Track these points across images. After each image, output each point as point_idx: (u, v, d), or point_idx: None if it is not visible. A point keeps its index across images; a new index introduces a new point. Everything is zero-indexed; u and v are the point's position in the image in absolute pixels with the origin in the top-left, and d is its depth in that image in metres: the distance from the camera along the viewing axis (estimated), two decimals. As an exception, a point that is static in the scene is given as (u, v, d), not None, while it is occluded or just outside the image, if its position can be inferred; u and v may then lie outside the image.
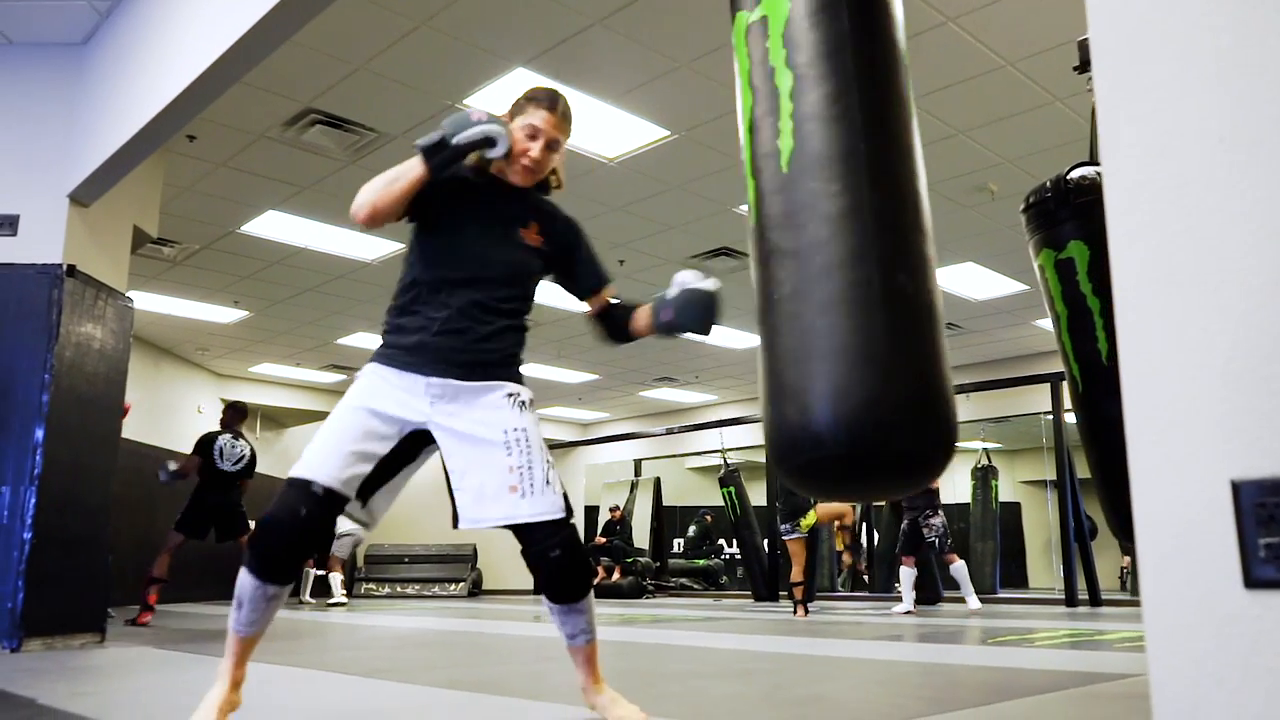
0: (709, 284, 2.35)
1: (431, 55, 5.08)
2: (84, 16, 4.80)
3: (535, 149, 2.24)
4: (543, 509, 2.07)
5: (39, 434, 4.44)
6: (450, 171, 2.17)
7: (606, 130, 5.96)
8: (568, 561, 2.09)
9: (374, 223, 2.10)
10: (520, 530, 2.09)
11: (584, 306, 2.50)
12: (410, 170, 2.08)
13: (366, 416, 2.07)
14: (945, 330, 1.94)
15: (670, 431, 14.04)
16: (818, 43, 2.03)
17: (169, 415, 11.55)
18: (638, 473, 16.26)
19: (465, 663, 4.03)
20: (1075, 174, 3.10)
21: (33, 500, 4.38)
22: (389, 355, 2.15)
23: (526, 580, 14.36)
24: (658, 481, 15.68)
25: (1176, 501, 1.06)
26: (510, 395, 2.15)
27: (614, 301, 2.46)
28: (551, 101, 2.28)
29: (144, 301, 8.72)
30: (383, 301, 8.25)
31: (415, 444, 2.15)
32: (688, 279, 2.34)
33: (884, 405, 1.75)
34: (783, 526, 8.00)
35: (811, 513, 7.91)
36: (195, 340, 11.28)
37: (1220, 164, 1.06)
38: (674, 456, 16.52)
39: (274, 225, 7.57)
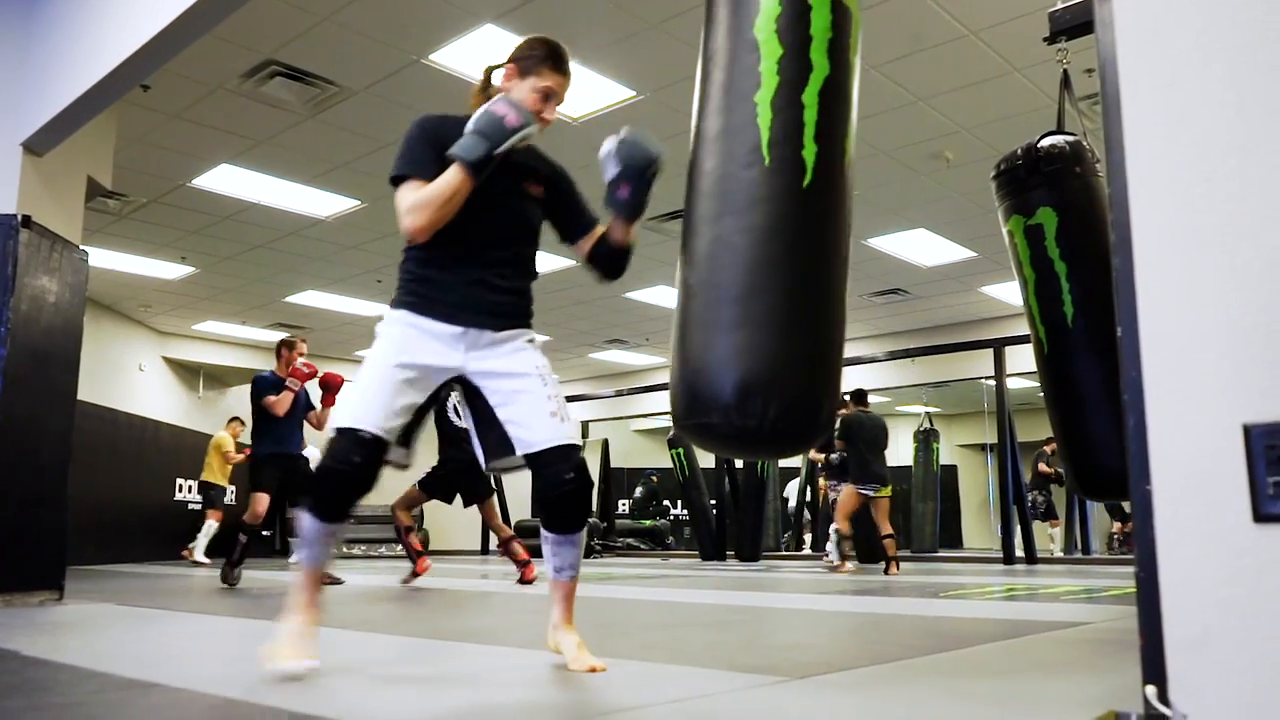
0: (621, 137, 2.35)
1: (399, 8, 5.01)
2: (36, -42, 4.64)
3: (549, 112, 2.29)
4: (574, 434, 2.25)
5: (-5, 389, 4.35)
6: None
7: (573, 90, 5.92)
8: (581, 486, 2.21)
9: (427, 235, 2.16)
10: (545, 455, 2.19)
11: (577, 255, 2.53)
12: (462, 185, 2.13)
13: (404, 371, 2.16)
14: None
15: (619, 394, 14.13)
16: None
17: (109, 373, 11.32)
18: (585, 434, 16.34)
19: (439, 616, 4.08)
20: (1045, 142, 3.21)
21: (-10, 456, 4.30)
22: (420, 304, 2.21)
23: (472, 541, 14.41)
24: (605, 443, 15.79)
25: (1190, 444, 1.15)
26: (530, 340, 2.30)
27: (600, 233, 2.48)
28: (565, 64, 2.33)
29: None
30: (337, 259, 8.24)
31: (442, 387, 2.26)
32: (607, 148, 2.35)
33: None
34: (865, 486, 8.07)
35: (889, 487, 8.11)
36: (138, 297, 11.03)
37: (1238, 130, 1.13)
38: (622, 419, 16.63)
39: (227, 179, 7.42)
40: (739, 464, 11.78)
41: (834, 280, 2.15)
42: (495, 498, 6.84)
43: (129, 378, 12.11)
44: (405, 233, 2.15)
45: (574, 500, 2.22)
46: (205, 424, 13.32)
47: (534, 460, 2.21)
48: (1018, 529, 9.49)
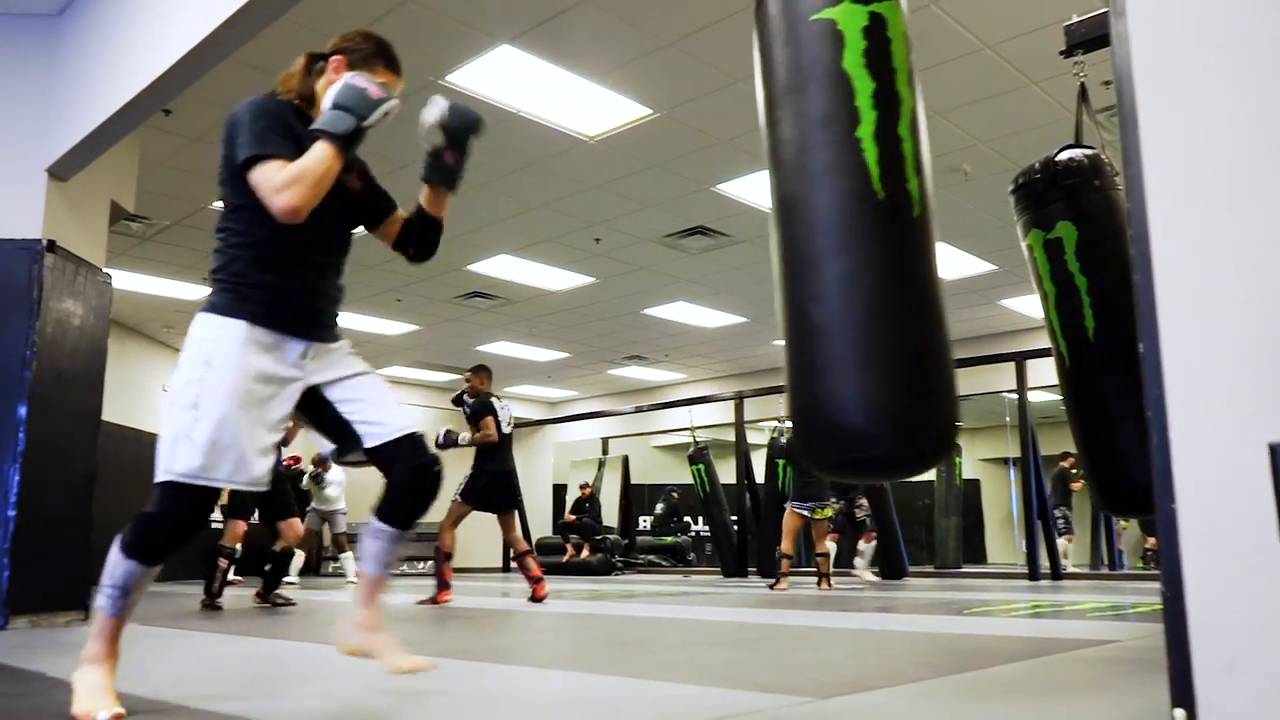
0: (435, 107, 2.25)
1: (415, 31, 5.05)
2: (61, -13, 4.72)
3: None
4: (414, 424, 2.16)
5: (22, 411, 4.39)
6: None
7: (588, 108, 5.97)
8: (436, 482, 2.14)
9: (301, 216, 1.96)
10: (405, 444, 2.11)
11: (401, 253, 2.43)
12: (335, 162, 1.98)
13: (256, 405, 2.00)
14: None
15: (639, 410, 14.12)
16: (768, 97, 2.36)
17: (133, 394, 11.40)
18: (605, 451, 16.33)
19: (462, 634, 4.07)
20: (1063, 156, 3.19)
21: (16, 478, 4.34)
22: (257, 312, 2.03)
23: (493, 558, 14.40)
24: (626, 460, 15.77)
25: (1215, 463, 1.13)
26: (350, 349, 2.23)
27: (406, 216, 2.37)
28: (397, 62, 2.26)
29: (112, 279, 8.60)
30: (355, 279, 8.17)
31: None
32: (433, 115, 2.24)
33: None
34: (803, 505, 8.15)
35: (830, 508, 8.23)
36: (161, 318, 11.14)
37: (1259, 144, 1.12)
38: (642, 435, 16.61)
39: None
40: (760, 479, 11.74)
41: (943, 306, 2.25)
42: (518, 511, 6.83)
43: (152, 398, 12.19)
44: (281, 212, 1.93)
45: (433, 494, 2.14)
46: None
47: (391, 449, 2.10)
48: (1042, 544, 9.39)
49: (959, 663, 2.81)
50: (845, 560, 11.37)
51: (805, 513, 8.16)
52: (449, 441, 6.44)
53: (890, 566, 10.06)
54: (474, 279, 9.68)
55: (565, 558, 13.37)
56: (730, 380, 14.65)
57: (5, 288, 4.51)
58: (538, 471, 16.46)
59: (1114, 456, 2.94)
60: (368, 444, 2.11)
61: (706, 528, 14.50)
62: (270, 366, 2.03)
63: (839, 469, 2.27)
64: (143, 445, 10.27)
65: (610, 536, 13.93)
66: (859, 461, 2.16)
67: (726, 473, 12.48)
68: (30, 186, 4.70)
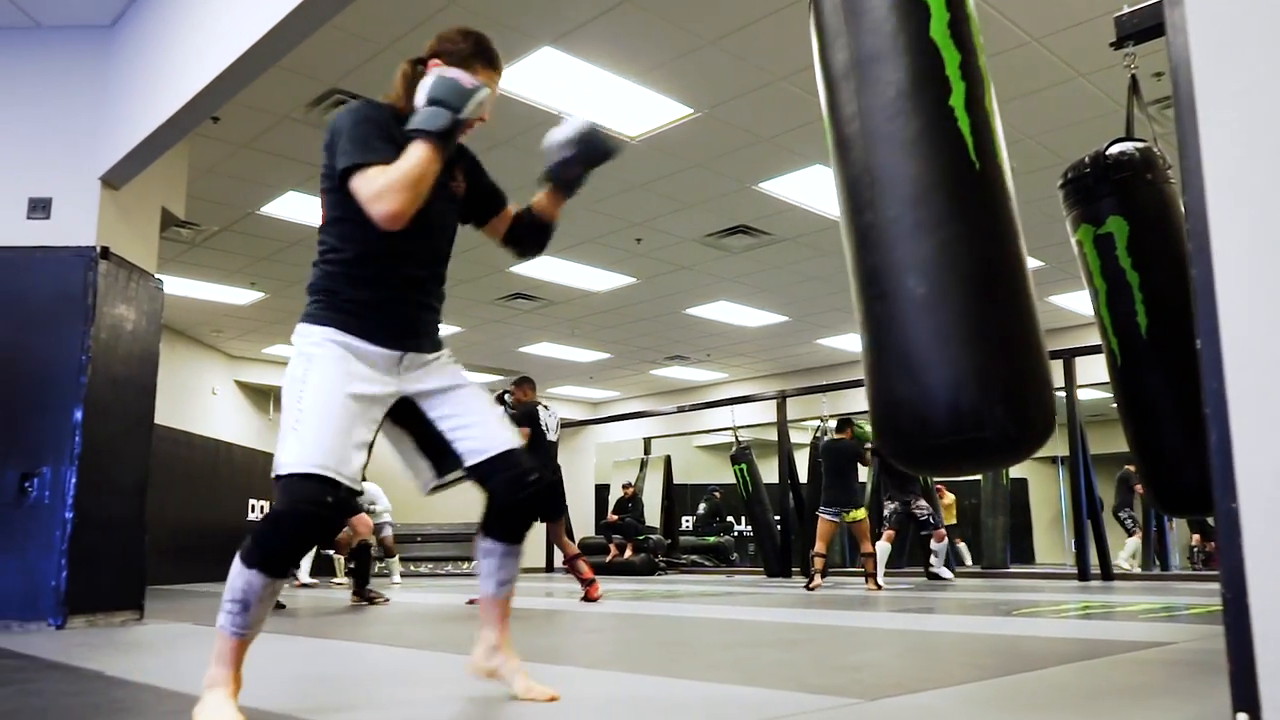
0: (574, 124, 2.25)
1: (458, 35, 5.09)
2: (113, -1, 4.82)
3: (484, 112, 2.09)
4: (517, 439, 2.15)
5: (78, 415, 4.49)
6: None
7: (630, 109, 5.98)
8: (537, 490, 2.12)
9: (401, 221, 1.92)
10: (504, 459, 2.08)
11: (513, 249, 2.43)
12: (433, 161, 1.93)
13: (356, 403, 1.97)
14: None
15: (681, 410, 14.11)
16: (837, 68, 2.30)
17: (184, 397, 11.62)
18: (647, 451, 16.34)
19: (514, 634, 4.09)
20: (1114, 150, 3.13)
21: (73, 480, 4.44)
22: (347, 321, 2.00)
23: (535, 558, 14.47)
24: (668, 460, 15.76)
25: (1277, 461, 1.11)
26: (450, 356, 2.19)
27: (516, 212, 2.36)
28: (497, 59, 2.19)
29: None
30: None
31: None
32: (559, 135, 2.24)
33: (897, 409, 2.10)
34: (829, 510, 8.14)
35: (862, 509, 8.17)
36: (211, 322, 11.34)
37: (1322, 138, 1.10)
38: (684, 435, 16.59)
39: (294, 206, 7.60)
40: (803, 479, 11.67)
41: (1030, 279, 2.19)
42: (565, 516, 6.91)
43: (203, 401, 12.43)
44: (381, 218, 1.88)
45: (537, 504, 2.13)
46: (276, 446, 13.59)
47: (490, 465, 2.07)
48: (1093, 544, 9.23)
49: (1009, 664, 2.78)
50: (909, 560, 11.26)
51: (833, 518, 8.14)
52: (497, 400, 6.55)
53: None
54: (516, 280, 9.74)
55: (609, 558, 13.39)
56: (772, 379, 14.59)
57: (62, 295, 4.62)
58: (580, 472, 16.50)
59: (1167, 455, 2.89)
60: (468, 462, 2.09)
61: (749, 528, 14.46)
62: (364, 369, 2.00)
63: (944, 455, 2.11)
64: (193, 448, 10.49)
65: (653, 536, 13.93)
66: (971, 444, 2.03)
67: (769, 472, 12.42)
68: (85, 195, 4.81)
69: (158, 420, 5.29)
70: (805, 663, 2.87)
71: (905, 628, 4.17)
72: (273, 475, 1.93)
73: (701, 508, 16.54)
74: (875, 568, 8.07)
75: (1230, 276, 1.17)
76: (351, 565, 6.63)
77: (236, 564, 1.89)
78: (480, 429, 2.10)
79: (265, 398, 14.08)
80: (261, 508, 12.05)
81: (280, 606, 5.98)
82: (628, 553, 13.49)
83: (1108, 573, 9.27)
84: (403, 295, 2.08)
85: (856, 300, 2.18)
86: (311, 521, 1.88)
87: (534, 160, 2.25)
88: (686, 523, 16.54)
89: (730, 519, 16.67)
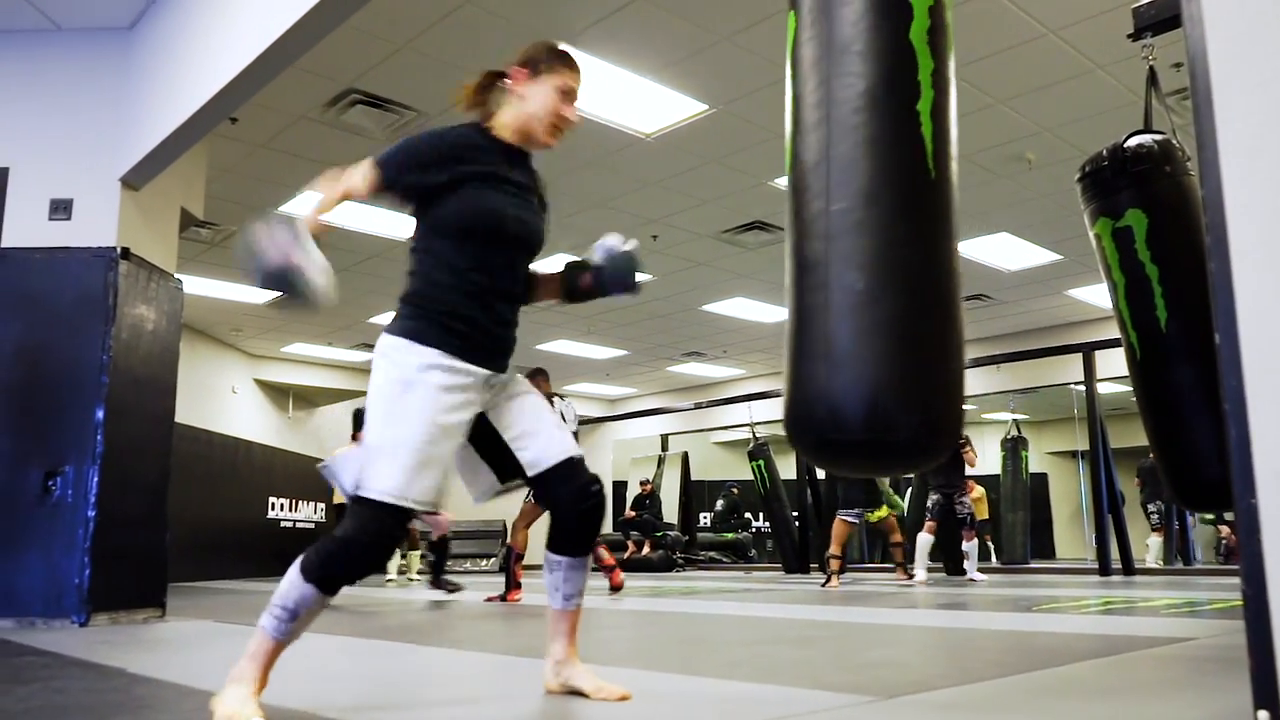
0: (630, 245, 2.31)
1: (475, 34, 5.10)
2: (131, 1, 4.85)
3: (569, 111, 2.17)
4: (577, 447, 2.14)
5: (99, 414, 4.54)
6: (466, 139, 2.11)
7: (645, 106, 5.97)
8: (600, 501, 2.12)
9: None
10: (565, 468, 2.09)
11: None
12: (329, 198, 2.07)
13: (451, 433, 1.98)
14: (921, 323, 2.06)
15: (698, 406, 14.10)
16: (809, 56, 2.27)
17: (204, 396, 11.71)
18: (664, 448, 16.33)
19: (532, 631, 4.11)
20: (1132, 142, 3.12)
21: (95, 479, 4.48)
22: (454, 344, 2.01)
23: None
24: (685, 456, 15.75)
25: (1298, 458, 1.10)
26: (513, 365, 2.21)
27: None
28: (574, 61, 2.22)
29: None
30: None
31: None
32: (610, 244, 2.30)
33: (821, 403, 2.03)
34: (848, 512, 8.12)
35: (884, 508, 8.12)
36: (230, 321, 11.41)
37: (1342, 130, 1.08)
38: (701, 431, 16.59)
39: (310, 205, 7.62)
40: (820, 475, 11.65)
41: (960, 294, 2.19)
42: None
43: (223, 399, 12.52)
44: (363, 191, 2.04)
45: (600, 514, 2.12)
46: (295, 443, 13.70)
47: (553, 475, 2.09)
48: (1113, 538, 9.17)
49: (1029, 661, 2.76)
50: (1013, 555, 11.19)
51: (853, 519, 8.10)
52: None
53: (955, 562, 9.90)
54: (532, 278, 9.75)
55: (626, 554, 13.41)
56: (790, 375, 14.53)
57: (83, 295, 4.66)
58: (598, 468, 16.31)
59: (1188, 450, 2.87)
60: (531, 472, 2.09)
61: (767, 524, 14.44)
62: (464, 395, 2.00)
63: (851, 452, 2.08)
64: (213, 446, 10.58)
65: (671, 533, 13.94)
66: (880, 445, 2.00)
67: (787, 468, 12.41)
68: (105, 196, 4.85)
69: (178, 419, 5.34)
70: (823, 660, 2.87)
71: (925, 624, 4.15)
72: (353, 490, 1.91)
73: (719, 504, 16.53)
74: (903, 556, 8.03)
75: (1248, 271, 1.16)
76: (431, 558, 7.14)
77: (295, 574, 1.89)
78: (543, 438, 2.10)
79: (284, 396, 14.17)
80: (281, 505, 12.14)
81: (450, 589, 6.64)
82: (645, 549, 13.50)
83: (1129, 567, 9.21)
84: (501, 315, 2.09)
85: (790, 285, 2.15)
86: (384, 550, 1.91)
87: (549, 159, 2.25)
88: (704, 519, 16.54)
89: (748, 515, 16.65)
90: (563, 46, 2.22)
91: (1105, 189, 3.12)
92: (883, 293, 2.01)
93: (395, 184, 2.05)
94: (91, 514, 4.45)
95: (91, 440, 4.52)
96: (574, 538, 2.13)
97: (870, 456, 2.08)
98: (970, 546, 8.54)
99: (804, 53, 2.26)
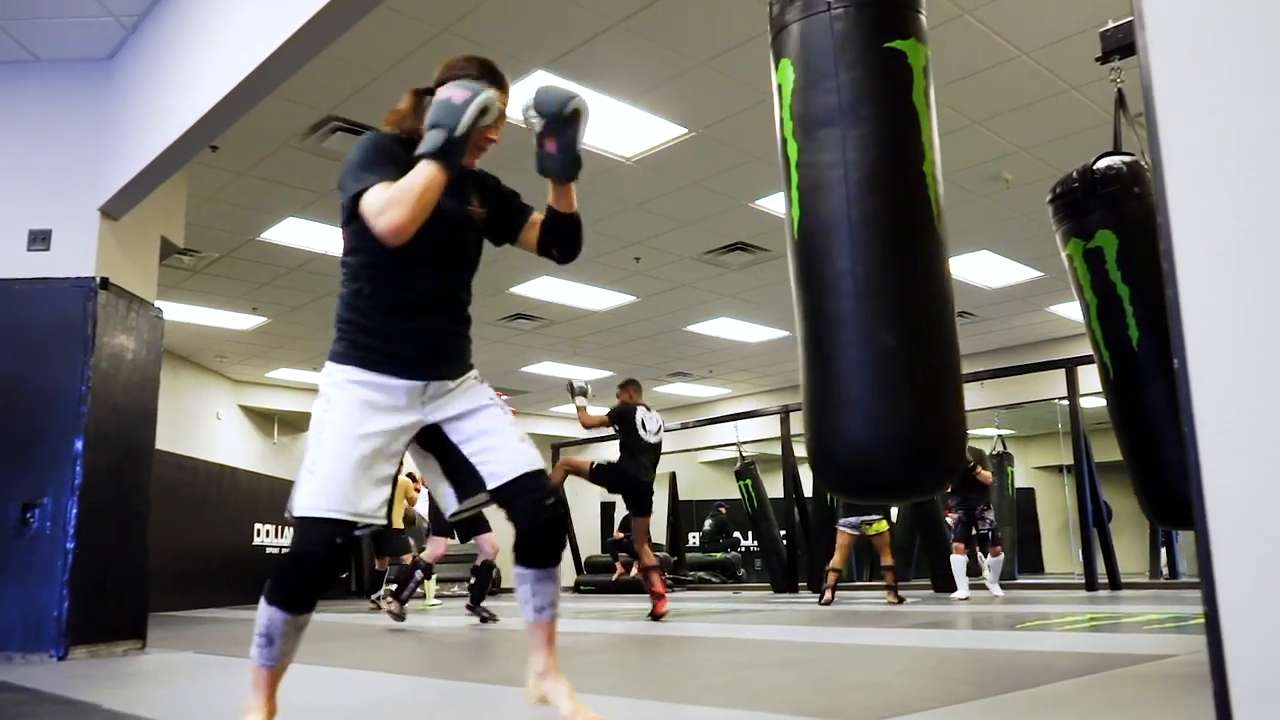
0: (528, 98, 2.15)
1: (452, 61, 5.12)
2: (110, 32, 4.86)
3: (495, 132, 2.15)
4: (540, 459, 2.14)
5: (78, 445, 4.51)
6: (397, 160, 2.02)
7: (624, 130, 6.01)
8: (560, 511, 2.12)
9: (402, 237, 1.93)
10: (521, 482, 2.07)
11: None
12: (435, 177, 1.93)
13: (369, 441, 1.99)
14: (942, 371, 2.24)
15: (685, 426, 14.09)
16: (816, 113, 2.27)
17: (188, 423, 11.65)
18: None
19: (508, 657, 4.09)
20: (1101, 164, 3.15)
21: (74, 510, 4.45)
22: (374, 358, 2.03)
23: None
24: (673, 476, 15.73)
25: (1245, 487, 1.11)
26: (477, 377, 2.20)
27: (541, 219, 2.31)
28: (502, 79, 2.20)
29: (164, 310, 8.83)
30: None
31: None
32: (524, 108, 2.13)
33: (865, 450, 2.20)
34: (849, 520, 8.13)
35: (883, 521, 8.10)
36: (214, 347, 11.38)
37: (1283, 161, 1.11)
38: (688, 451, 16.57)
39: (294, 232, 7.64)
40: (808, 493, 11.64)
41: None
42: (648, 520, 6.93)
43: (207, 426, 12.46)
44: (384, 233, 1.90)
45: (557, 526, 2.11)
46: (281, 469, 13.62)
47: (509, 489, 2.07)
48: (1099, 552, 9.20)
49: (1012, 681, 2.77)
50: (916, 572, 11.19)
51: (852, 530, 8.11)
52: (578, 390, 6.95)
53: (944, 580, 9.91)
54: (516, 301, 9.77)
55: (615, 576, 13.35)
56: (775, 394, 14.58)
57: (62, 325, 4.64)
58: (586, 489, 16.48)
59: (1160, 467, 2.89)
60: (490, 485, 2.08)
61: (756, 543, 14.42)
62: (384, 405, 2.02)
63: (886, 490, 2.37)
64: (198, 474, 10.50)
65: (659, 554, 13.90)
66: (910, 485, 2.28)
67: (774, 487, 12.40)
68: (84, 226, 4.84)
69: (162, 446, 5.31)
70: (804, 684, 2.87)
71: (910, 644, 4.15)
72: (287, 513, 1.99)
73: (707, 524, 16.52)
74: (895, 580, 8.03)
75: (1195, 299, 1.18)
76: (471, 580, 6.86)
77: (261, 601, 1.98)
78: (502, 451, 2.09)
79: (270, 422, 14.11)
80: (267, 531, 12.05)
81: (485, 618, 6.47)
82: (634, 570, 13.44)
83: (1115, 581, 9.22)
84: (424, 325, 2.08)
85: (812, 339, 2.24)
86: (322, 562, 1.95)
87: (532, 182, 2.26)
88: (693, 539, 16.51)
89: (736, 535, 16.63)
90: (484, 61, 2.20)
91: (1076, 210, 3.15)
92: (910, 348, 2.15)
93: (392, 177, 1.97)
94: (70, 545, 4.42)
95: (70, 471, 4.49)
96: (536, 550, 2.11)
97: (899, 493, 2.43)
98: (995, 562, 8.49)
99: (808, 107, 2.31)
